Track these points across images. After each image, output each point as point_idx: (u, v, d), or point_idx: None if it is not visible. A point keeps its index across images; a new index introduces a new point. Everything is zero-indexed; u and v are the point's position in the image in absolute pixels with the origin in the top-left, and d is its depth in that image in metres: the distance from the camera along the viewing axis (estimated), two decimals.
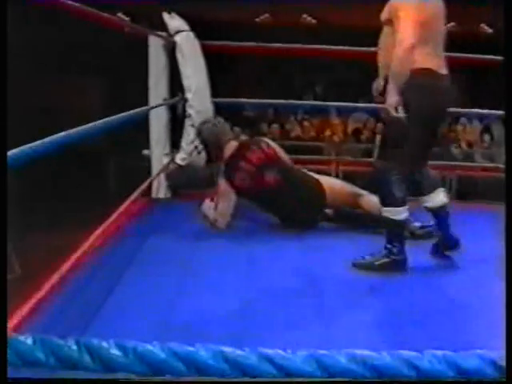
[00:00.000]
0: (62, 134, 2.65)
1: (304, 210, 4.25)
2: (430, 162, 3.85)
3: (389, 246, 3.54)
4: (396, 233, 3.58)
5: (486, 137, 10.89)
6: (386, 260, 3.54)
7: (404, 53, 3.43)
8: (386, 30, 3.65)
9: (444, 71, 3.60)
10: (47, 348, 1.04)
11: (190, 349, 1.12)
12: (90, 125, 3.03)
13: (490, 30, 12.58)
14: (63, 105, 10.55)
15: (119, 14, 11.16)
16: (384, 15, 3.58)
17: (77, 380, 1.17)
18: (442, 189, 3.80)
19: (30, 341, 1.06)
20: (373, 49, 3.87)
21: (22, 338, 1.08)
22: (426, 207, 3.74)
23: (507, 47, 1.91)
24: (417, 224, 4.10)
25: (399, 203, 3.53)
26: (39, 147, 2.36)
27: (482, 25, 12.65)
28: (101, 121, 3.23)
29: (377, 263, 3.55)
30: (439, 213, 3.73)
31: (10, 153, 1.97)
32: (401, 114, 3.54)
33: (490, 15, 11.97)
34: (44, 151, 2.41)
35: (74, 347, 1.02)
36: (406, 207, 3.56)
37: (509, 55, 1.90)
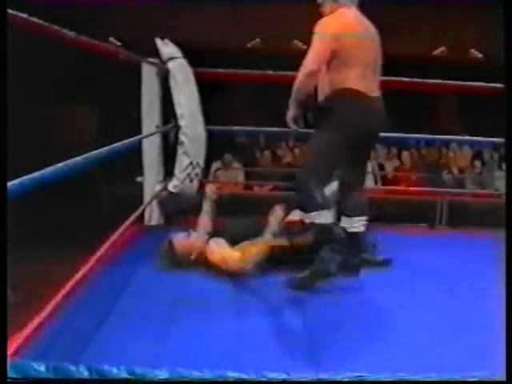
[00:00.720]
0: (58, 165, 2.69)
1: None
2: (425, 189, 3.88)
3: (322, 254, 3.53)
4: (326, 237, 3.56)
5: (477, 162, 10.92)
6: (317, 271, 3.55)
7: (303, 77, 3.59)
8: None
9: (375, 94, 3.68)
10: (59, 374, 1.04)
11: (197, 373, 1.13)
12: (85, 156, 3.05)
13: (480, 55, 12.65)
14: (53, 131, 10.56)
15: (111, 39, 11.20)
16: None
17: (77, 380, 1.17)
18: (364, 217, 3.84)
19: (43, 368, 1.07)
20: None
21: (34, 364, 1.10)
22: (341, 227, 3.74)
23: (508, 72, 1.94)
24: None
25: (323, 206, 3.52)
26: (36, 179, 2.39)
27: (472, 50, 12.73)
28: (95, 152, 3.24)
29: (309, 277, 3.57)
30: (354, 237, 3.76)
31: (9, 184, 2.00)
32: (297, 127, 3.81)
33: (480, 40, 12.06)
34: (40, 183, 2.44)
35: (86, 373, 1.03)
36: (331, 211, 3.57)
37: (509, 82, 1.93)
